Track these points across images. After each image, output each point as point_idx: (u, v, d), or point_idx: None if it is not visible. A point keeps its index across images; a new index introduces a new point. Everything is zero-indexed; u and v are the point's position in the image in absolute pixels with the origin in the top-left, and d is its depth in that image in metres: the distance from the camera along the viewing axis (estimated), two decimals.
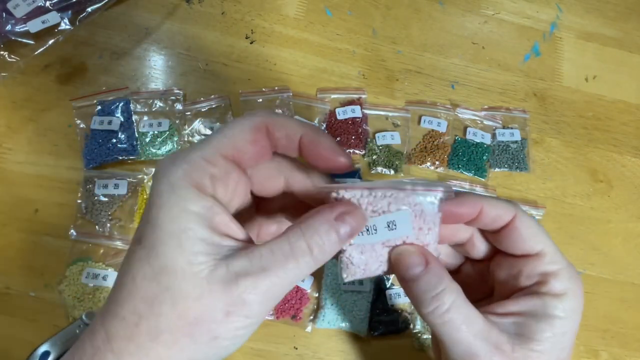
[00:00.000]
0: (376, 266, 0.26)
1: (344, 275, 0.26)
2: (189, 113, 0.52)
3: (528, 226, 0.27)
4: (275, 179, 0.27)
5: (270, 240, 0.22)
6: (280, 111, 0.52)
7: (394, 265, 0.26)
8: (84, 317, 0.29)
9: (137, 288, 0.21)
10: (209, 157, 0.22)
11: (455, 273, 0.32)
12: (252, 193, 0.27)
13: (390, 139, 0.54)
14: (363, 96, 0.55)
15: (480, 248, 0.30)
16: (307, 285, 0.47)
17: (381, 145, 0.53)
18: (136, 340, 0.20)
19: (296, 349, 0.46)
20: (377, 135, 0.54)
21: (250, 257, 0.21)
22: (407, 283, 0.25)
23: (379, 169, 0.52)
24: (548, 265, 0.27)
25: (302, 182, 0.27)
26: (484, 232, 0.29)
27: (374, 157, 0.53)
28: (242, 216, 0.27)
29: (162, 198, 0.21)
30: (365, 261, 0.25)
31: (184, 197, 0.21)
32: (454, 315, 0.24)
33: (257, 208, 0.29)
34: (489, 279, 0.30)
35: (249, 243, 0.23)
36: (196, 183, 0.22)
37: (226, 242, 0.22)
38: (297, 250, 0.22)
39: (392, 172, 0.52)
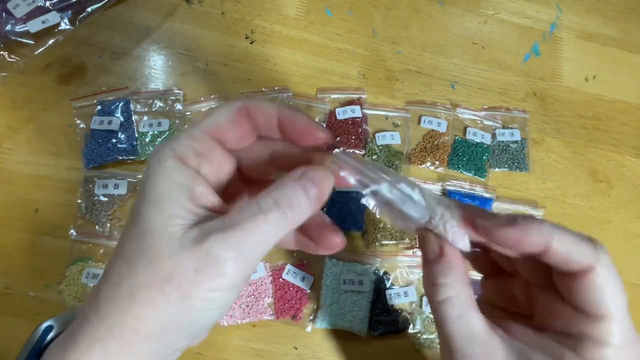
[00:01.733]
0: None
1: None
2: (189, 113, 0.52)
3: (604, 284, 0.23)
4: (266, 162, 0.27)
5: (245, 203, 0.23)
6: None
7: (420, 242, 0.26)
8: None
9: (122, 252, 0.22)
10: (194, 135, 0.24)
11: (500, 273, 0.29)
12: (245, 176, 0.28)
13: (390, 139, 0.54)
14: (363, 96, 0.55)
15: (524, 270, 0.26)
16: (307, 285, 0.47)
17: (381, 145, 0.53)
18: (117, 300, 0.21)
19: (296, 349, 0.46)
20: (377, 135, 0.54)
21: (221, 219, 0.22)
22: (423, 261, 0.26)
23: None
24: (603, 334, 0.23)
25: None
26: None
27: (374, 157, 0.53)
28: (232, 197, 0.27)
29: (150, 171, 0.23)
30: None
31: (168, 167, 0.23)
32: (447, 309, 0.24)
33: (252, 191, 0.29)
34: (527, 299, 0.27)
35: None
36: (180, 156, 0.23)
37: (204, 212, 0.23)
38: (264, 206, 0.22)
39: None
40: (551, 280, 0.25)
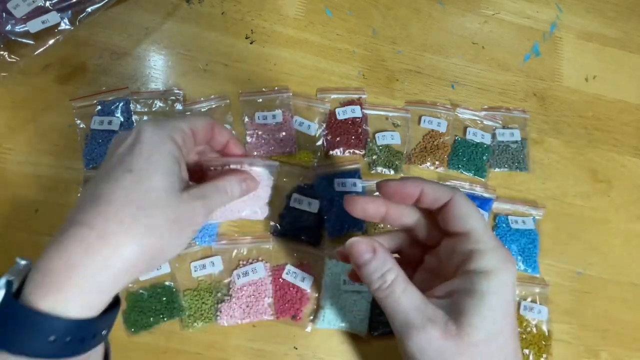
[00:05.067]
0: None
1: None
2: (189, 113, 0.52)
3: (461, 207, 0.32)
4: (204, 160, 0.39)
5: (210, 183, 0.35)
6: (280, 111, 0.52)
7: (349, 253, 0.33)
8: (22, 262, 0.29)
9: (128, 200, 0.29)
10: (182, 126, 0.34)
11: (419, 263, 0.36)
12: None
13: (390, 139, 0.54)
14: (363, 96, 0.55)
15: (426, 233, 0.35)
16: (307, 286, 0.47)
17: (381, 145, 0.53)
18: (128, 232, 0.28)
19: (296, 349, 0.46)
20: (377, 135, 0.54)
21: (198, 189, 0.33)
22: (360, 267, 0.32)
23: (379, 169, 0.52)
24: (474, 244, 0.31)
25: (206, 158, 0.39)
26: (432, 218, 0.34)
27: (374, 157, 0.53)
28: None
29: (152, 145, 0.31)
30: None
31: (169, 149, 0.32)
32: (395, 289, 0.30)
33: (193, 176, 0.38)
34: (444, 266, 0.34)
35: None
36: (176, 142, 0.32)
37: (185, 183, 0.33)
38: (221, 188, 0.35)
39: (392, 172, 0.53)
40: (441, 234, 0.34)
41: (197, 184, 0.34)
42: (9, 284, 0.26)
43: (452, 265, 0.32)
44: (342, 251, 0.35)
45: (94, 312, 0.28)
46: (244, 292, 0.46)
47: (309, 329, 0.47)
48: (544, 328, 0.49)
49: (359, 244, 0.32)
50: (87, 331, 0.28)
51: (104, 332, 0.30)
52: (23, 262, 0.29)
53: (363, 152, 0.53)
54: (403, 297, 0.30)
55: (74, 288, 0.27)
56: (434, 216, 0.34)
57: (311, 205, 0.49)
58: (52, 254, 0.27)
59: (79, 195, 0.33)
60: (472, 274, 0.30)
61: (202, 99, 0.52)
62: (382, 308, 0.31)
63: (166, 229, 0.30)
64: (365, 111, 0.54)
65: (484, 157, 0.55)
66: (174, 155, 0.32)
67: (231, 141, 0.39)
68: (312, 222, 0.49)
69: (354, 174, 0.51)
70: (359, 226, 0.50)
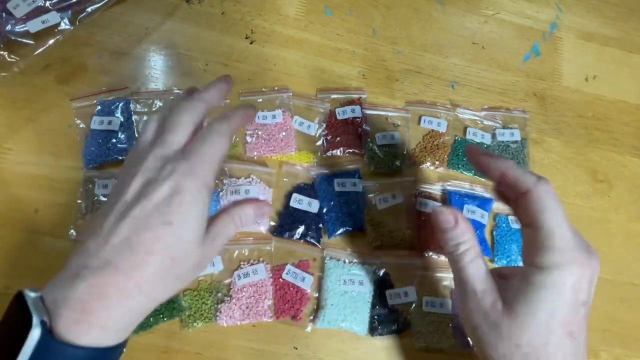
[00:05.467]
0: None
1: None
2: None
3: (540, 201, 0.32)
4: None
5: (225, 215, 0.37)
6: (280, 111, 0.52)
7: (434, 220, 0.35)
8: (32, 294, 0.30)
9: (166, 252, 0.31)
10: (216, 163, 0.34)
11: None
12: None
13: (390, 139, 0.54)
14: (363, 96, 0.55)
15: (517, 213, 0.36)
16: (307, 285, 0.47)
17: (381, 145, 0.53)
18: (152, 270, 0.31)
19: (296, 349, 0.46)
20: (377, 135, 0.54)
21: (217, 225, 0.35)
22: (441, 233, 0.35)
23: (379, 169, 0.52)
24: (545, 240, 0.31)
25: None
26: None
27: (374, 157, 0.53)
28: None
29: (191, 195, 0.32)
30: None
31: (204, 194, 0.33)
32: (465, 257, 0.34)
33: None
34: None
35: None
36: (208, 184, 0.33)
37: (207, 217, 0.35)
38: (236, 220, 0.37)
39: (392, 172, 0.53)
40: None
41: (212, 218, 0.35)
42: (43, 324, 0.27)
43: (525, 255, 0.34)
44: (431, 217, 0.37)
45: (124, 339, 0.32)
46: (244, 293, 0.46)
47: (309, 329, 0.47)
48: None
49: (443, 214, 0.35)
50: (119, 352, 0.32)
51: (125, 349, 0.33)
52: (33, 295, 0.29)
53: (363, 152, 0.53)
54: (470, 265, 0.34)
55: (112, 326, 0.30)
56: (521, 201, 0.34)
57: (311, 205, 0.49)
58: (88, 295, 0.29)
59: (107, 225, 0.31)
60: (531, 267, 0.32)
61: None
62: (453, 272, 0.36)
63: (190, 273, 0.34)
64: (365, 111, 0.54)
65: None
66: (206, 202, 0.33)
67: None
68: (312, 222, 0.49)
69: (354, 173, 0.51)
70: (359, 226, 0.50)
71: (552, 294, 0.30)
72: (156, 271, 0.30)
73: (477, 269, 0.34)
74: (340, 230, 0.49)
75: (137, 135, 0.50)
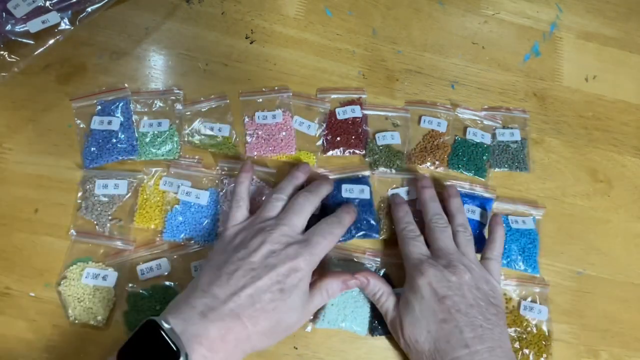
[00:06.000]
0: None
1: None
2: (189, 113, 0.52)
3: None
4: None
5: (318, 289, 0.42)
6: (280, 111, 0.52)
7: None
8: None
9: (274, 313, 0.38)
10: (324, 253, 0.42)
11: None
12: None
13: (390, 139, 0.54)
14: (363, 96, 0.55)
15: None
16: None
17: (381, 145, 0.53)
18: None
19: (296, 349, 0.46)
20: (377, 135, 0.54)
21: (314, 298, 0.42)
22: (364, 290, 0.46)
23: (380, 169, 0.52)
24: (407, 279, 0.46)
25: None
26: None
27: (374, 157, 0.53)
28: None
29: (304, 274, 0.40)
30: None
31: (306, 290, 0.41)
32: (382, 299, 0.45)
33: None
34: None
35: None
36: (315, 266, 0.42)
37: None
38: (324, 294, 0.43)
39: (393, 172, 0.53)
40: None
41: (310, 292, 0.41)
42: (186, 356, 0.33)
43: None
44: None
45: None
46: None
47: (309, 329, 0.47)
48: (544, 328, 0.49)
49: (358, 279, 0.44)
50: None
51: None
52: (167, 326, 0.34)
53: (363, 152, 0.53)
54: (385, 303, 0.45)
55: None
56: None
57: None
58: (217, 336, 0.35)
59: (235, 278, 0.38)
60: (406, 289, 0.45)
61: (202, 98, 0.52)
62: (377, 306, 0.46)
63: (289, 330, 0.40)
64: (365, 111, 0.54)
65: (484, 157, 0.55)
66: (310, 276, 0.41)
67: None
68: (315, 223, 0.49)
69: (363, 180, 0.51)
70: (373, 230, 0.49)
71: (417, 297, 0.43)
72: (266, 326, 0.38)
73: (389, 303, 0.45)
74: (346, 234, 0.48)
75: (136, 136, 0.50)
